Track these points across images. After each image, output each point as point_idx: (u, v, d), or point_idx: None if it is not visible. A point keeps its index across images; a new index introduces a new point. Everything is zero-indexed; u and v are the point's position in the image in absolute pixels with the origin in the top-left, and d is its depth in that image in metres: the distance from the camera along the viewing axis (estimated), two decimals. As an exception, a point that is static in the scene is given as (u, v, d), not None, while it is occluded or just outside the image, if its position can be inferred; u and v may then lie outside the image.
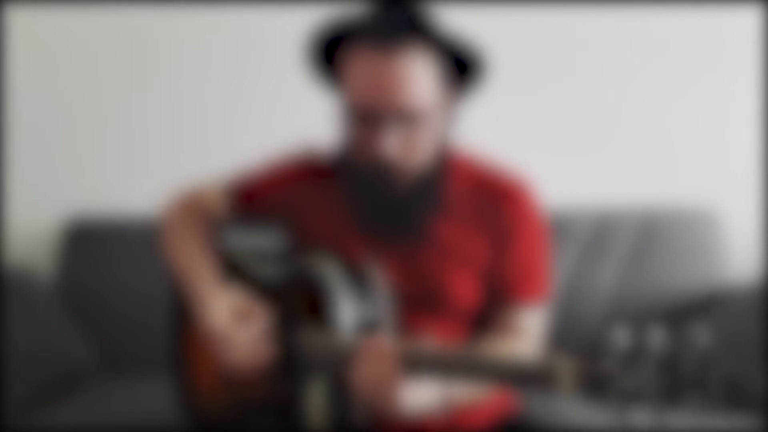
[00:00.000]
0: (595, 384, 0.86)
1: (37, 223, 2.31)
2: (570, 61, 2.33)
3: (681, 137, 2.33)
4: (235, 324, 1.18)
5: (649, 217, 2.12)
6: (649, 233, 2.10)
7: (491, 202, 1.25)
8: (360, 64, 1.11)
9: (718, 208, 2.17)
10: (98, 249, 2.12)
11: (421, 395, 1.07)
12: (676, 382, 0.81)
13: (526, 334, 1.28)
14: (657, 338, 0.83)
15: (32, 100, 2.33)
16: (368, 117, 1.11)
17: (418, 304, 1.25)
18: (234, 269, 1.37)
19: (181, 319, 1.44)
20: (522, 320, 1.27)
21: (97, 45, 2.33)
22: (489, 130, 2.28)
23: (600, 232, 2.11)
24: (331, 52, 1.18)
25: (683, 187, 2.31)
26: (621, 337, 0.85)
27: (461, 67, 1.18)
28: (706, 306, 2.01)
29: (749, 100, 2.31)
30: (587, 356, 0.87)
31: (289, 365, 1.20)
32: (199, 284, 1.27)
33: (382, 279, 1.21)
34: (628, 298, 2.06)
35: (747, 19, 2.27)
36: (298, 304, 1.23)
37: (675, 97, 2.33)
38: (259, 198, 1.37)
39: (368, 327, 1.16)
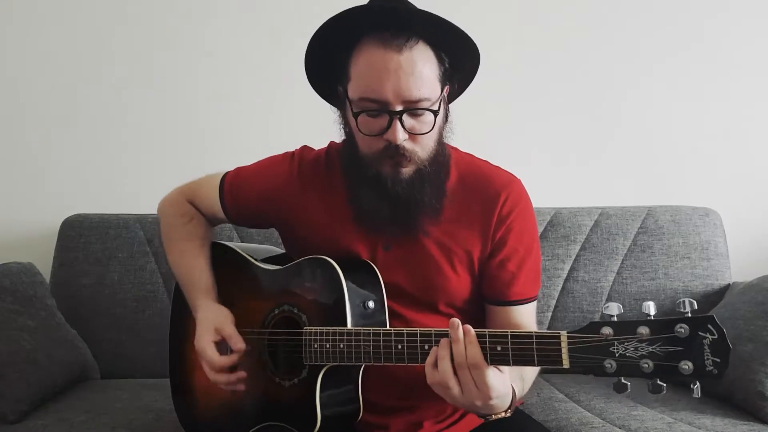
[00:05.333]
0: (593, 353, 0.87)
1: (37, 223, 2.33)
2: (573, 64, 2.35)
3: (683, 138, 2.35)
4: (214, 348, 1.23)
5: (649, 217, 2.13)
6: (649, 233, 2.10)
7: (484, 198, 1.25)
8: (370, 58, 1.12)
9: (718, 208, 2.18)
10: (94, 249, 2.13)
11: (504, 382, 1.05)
12: (670, 347, 0.82)
13: (528, 328, 1.26)
14: (650, 309, 0.86)
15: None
16: (380, 108, 1.12)
17: (417, 299, 1.25)
18: (237, 263, 1.38)
19: (178, 323, 1.45)
20: (521, 316, 1.27)
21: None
22: (493, 130, 2.31)
23: (600, 232, 2.11)
24: (334, 50, 1.19)
25: (684, 187, 2.33)
26: (614, 310, 0.88)
27: (456, 65, 1.20)
28: (706, 305, 2.01)
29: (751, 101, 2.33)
30: (584, 328, 0.89)
31: (292, 362, 1.21)
32: (196, 297, 1.31)
33: (378, 275, 1.22)
34: (627, 296, 2.06)
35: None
36: (300, 296, 1.23)
37: (676, 98, 2.34)
38: (254, 194, 1.37)
39: (369, 318, 1.17)
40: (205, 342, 1.23)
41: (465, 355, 0.99)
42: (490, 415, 1.05)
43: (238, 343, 1.22)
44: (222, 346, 1.24)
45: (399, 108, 1.11)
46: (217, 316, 1.26)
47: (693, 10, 2.33)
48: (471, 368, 0.99)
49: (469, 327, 1.00)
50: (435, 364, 1.02)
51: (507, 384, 1.03)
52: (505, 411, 1.05)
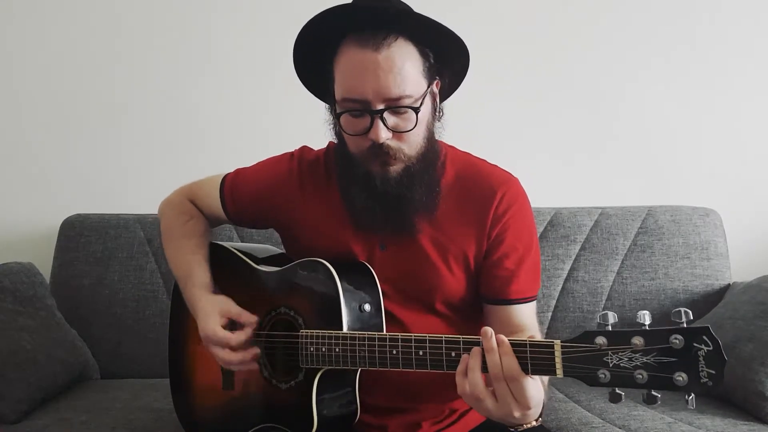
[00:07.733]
0: (586, 363, 0.87)
1: (37, 223, 2.33)
2: (573, 64, 2.34)
3: (683, 138, 2.34)
4: (225, 329, 1.21)
5: (649, 217, 2.12)
6: (649, 233, 2.10)
7: (480, 196, 1.25)
8: (349, 58, 1.12)
9: (718, 208, 2.17)
10: (94, 249, 2.13)
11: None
12: (664, 358, 0.82)
13: (531, 328, 1.27)
14: (645, 318, 0.85)
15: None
16: (361, 107, 1.12)
17: (413, 298, 1.25)
18: (233, 264, 1.37)
19: (178, 323, 1.45)
20: (522, 316, 1.26)
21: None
22: (493, 130, 2.31)
23: (600, 232, 2.11)
24: (318, 51, 1.18)
25: (684, 187, 2.32)
26: (609, 319, 0.87)
27: (443, 59, 1.19)
28: (706, 305, 2.01)
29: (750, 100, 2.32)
30: (578, 337, 0.88)
31: (289, 365, 1.20)
32: (194, 291, 1.30)
33: (375, 277, 1.22)
34: (627, 296, 2.06)
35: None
36: (297, 299, 1.23)
37: (677, 98, 2.34)
38: (254, 195, 1.37)
39: (366, 322, 1.17)
40: (212, 326, 1.21)
41: (500, 366, 0.95)
42: (522, 425, 1.00)
43: (249, 317, 1.21)
44: (229, 329, 1.22)
45: (380, 107, 1.11)
46: (219, 302, 1.25)
47: (692, 10, 2.32)
48: (508, 380, 0.94)
49: (503, 337, 0.96)
50: (465, 373, 0.98)
51: (542, 390, 0.98)
52: (536, 420, 1.01)
